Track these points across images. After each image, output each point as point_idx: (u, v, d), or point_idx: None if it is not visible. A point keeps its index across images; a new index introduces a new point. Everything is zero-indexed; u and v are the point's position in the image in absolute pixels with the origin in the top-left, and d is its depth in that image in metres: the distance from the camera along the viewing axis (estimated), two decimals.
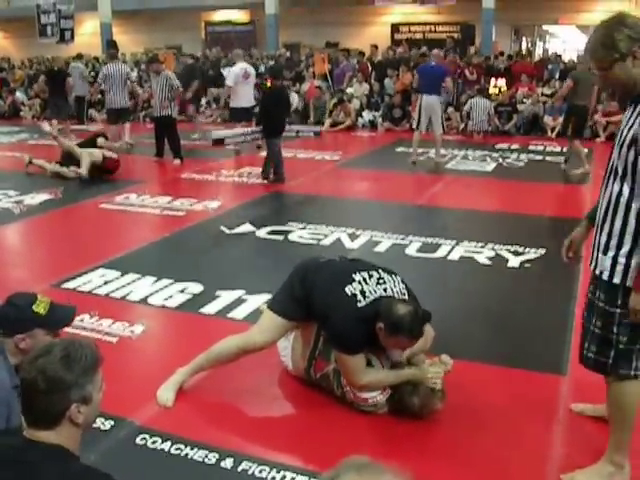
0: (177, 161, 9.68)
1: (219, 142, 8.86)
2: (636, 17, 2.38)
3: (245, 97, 10.60)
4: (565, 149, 9.69)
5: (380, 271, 3.13)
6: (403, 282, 3.14)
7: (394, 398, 3.04)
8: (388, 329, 2.85)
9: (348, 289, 2.99)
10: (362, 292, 2.98)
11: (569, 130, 8.91)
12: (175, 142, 9.80)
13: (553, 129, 11.96)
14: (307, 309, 3.14)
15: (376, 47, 16.38)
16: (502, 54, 15.10)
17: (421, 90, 9.53)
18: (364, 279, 3.04)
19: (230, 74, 10.64)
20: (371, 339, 2.96)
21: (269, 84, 9.91)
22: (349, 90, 14.10)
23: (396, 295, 3.02)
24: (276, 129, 8.32)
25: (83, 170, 8.52)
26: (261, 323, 3.27)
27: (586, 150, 9.09)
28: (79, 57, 16.77)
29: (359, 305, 2.95)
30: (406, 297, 3.04)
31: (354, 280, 3.03)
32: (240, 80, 10.41)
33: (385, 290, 3.02)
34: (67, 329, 2.44)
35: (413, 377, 3.01)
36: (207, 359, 3.31)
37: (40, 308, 2.26)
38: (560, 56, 15.48)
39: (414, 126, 9.98)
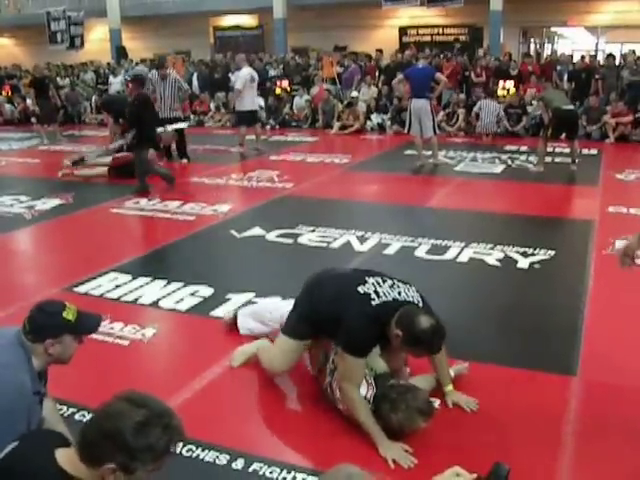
0: (184, 160, 10.18)
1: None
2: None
3: (251, 101, 10.90)
4: (567, 150, 9.69)
5: (394, 279, 3.05)
6: (418, 292, 3.05)
7: (374, 414, 2.93)
8: (407, 340, 2.75)
9: (360, 288, 2.93)
10: (376, 292, 2.91)
11: (548, 130, 9.21)
12: (183, 142, 10.28)
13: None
14: (314, 319, 3.11)
15: (381, 51, 16.43)
16: (510, 56, 15.06)
17: (411, 94, 9.52)
18: (377, 282, 2.98)
19: (239, 78, 10.84)
20: (379, 341, 2.93)
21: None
22: (354, 93, 14.13)
23: (410, 300, 2.93)
24: (147, 137, 8.12)
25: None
26: (276, 348, 3.30)
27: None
28: (143, 61, 17.42)
29: (373, 303, 2.86)
30: (420, 304, 2.95)
31: (367, 282, 2.97)
32: (247, 84, 10.63)
33: (399, 294, 2.93)
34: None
35: (375, 438, 2.84)
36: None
37: (69, 315, 2.31)
38: (571, 56, 15.42)
39: (405, 130, 10.03)
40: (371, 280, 2.99)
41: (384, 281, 3.00)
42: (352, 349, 2.87)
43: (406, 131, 9.83)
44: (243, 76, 10.66)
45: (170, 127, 9.67)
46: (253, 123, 11.04)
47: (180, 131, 10.23)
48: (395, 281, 3.04)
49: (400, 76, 9.90)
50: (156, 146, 8.24)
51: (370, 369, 3.02)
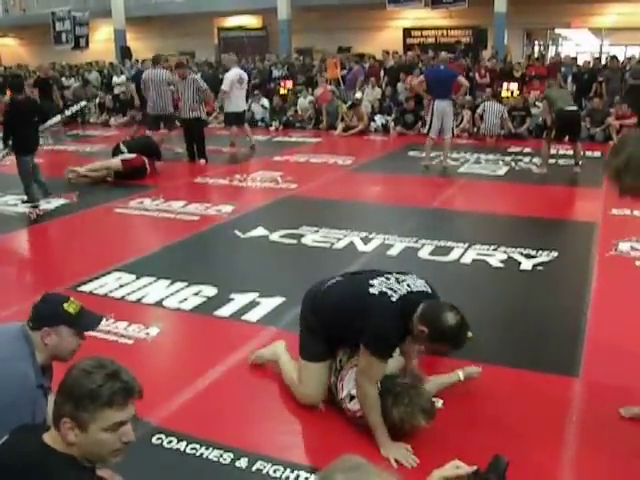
0: (202, 161, 10.22)
1: None
2: None
3: (237, 102, 11.02)
4: (571, 152, 9.67)
5: (393, 274, 3.06)
6: (422, 279, 3.05)
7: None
8: (432, 336, 2.73)
9: (372, 290, 2.93)
10: (389, 288, 2.92)
11: (551, 132, 9.22)
12: (202, 143, 10.33)
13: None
14: (327, 334, 3.12)
15: (388, 52, 16.44)
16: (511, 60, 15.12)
17: (433, 96, 9.53)
18: (382, 282, 2.97)
19: (225, 80, 10.96)
20: (404, 337, 2.91)
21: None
22: (358, 94, 14.13)
23: (421, 289, 2.94)
24: (27, 145, 7.40)
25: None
26: (301, 376, 3.24)
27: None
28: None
29: (393, 299, 2.85)
30: (430, 291, 2.97)
31: (373, 285, 2.96)
32: (235, 85, 10.75)
33: (409, 286, 2.94)
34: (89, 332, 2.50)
35: (379, 438, 2.86)
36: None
37: (70, 308, 2.34)
38: (575, 59, 15.41)
39: (425, 131, 10.02)
40: (376, 282, 2.98)
41: (388, 279, 3.00)
42: (380, 349, 2.85)
43: (426, 132, 9.77)
44: (230, 77, 10.80)
45: (50, 122, 9.32)
46: (240, 124, 11.18)
47: (198, 132, 10.30)
48: (396, 275, 3.04)
49: (421, 77, 9.96)
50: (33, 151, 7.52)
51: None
